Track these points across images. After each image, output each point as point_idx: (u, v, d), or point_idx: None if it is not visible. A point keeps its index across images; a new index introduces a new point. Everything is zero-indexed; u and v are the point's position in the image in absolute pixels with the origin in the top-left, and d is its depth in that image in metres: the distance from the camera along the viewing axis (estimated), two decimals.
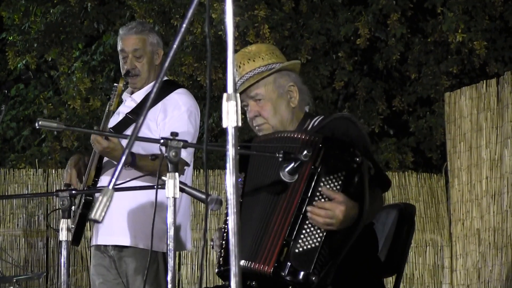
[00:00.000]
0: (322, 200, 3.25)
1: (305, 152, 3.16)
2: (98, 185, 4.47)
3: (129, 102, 4.64)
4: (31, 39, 9.93)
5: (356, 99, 9.98)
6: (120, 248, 4.52)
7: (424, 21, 9.70)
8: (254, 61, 3.57)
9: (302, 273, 3.19)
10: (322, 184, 3.27)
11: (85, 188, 4.42)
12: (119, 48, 4.64)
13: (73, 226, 4.54)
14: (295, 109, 3.61)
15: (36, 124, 3.55)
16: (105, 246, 4.58)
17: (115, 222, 4.41)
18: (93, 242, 4.65)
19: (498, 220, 7.05)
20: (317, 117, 3.62)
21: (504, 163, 7.02)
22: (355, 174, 3.27)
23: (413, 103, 9.93)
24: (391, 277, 3.75)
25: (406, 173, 8.53)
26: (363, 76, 9.98)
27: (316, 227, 3.23)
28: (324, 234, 3.23)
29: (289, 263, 3.21)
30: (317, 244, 3.22)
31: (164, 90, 4.51)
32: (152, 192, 4.39)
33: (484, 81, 7.44)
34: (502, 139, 7.09)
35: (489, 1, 9.19)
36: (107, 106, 4.43)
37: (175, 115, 4.48)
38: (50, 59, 10.19)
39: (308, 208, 3.24)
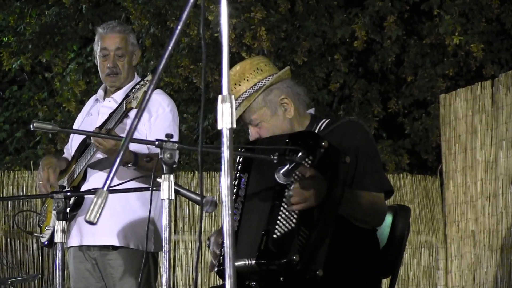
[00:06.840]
0: (296, 177, 3.28)
1: (300, 154, 3.17)
2: (84, 186, 4.44)
3: (108, 102, 4.60)
4: (26, 41, 9.92)
5: (351, 101, 9.99)
6: (105, 250, 4.46)
7: (420, 24, 9.70)
8: (240, 85, 3.58)
9: (283, 255, 3.19)
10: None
11: (71, 189, 4.39)
12: (99, 46, 4.59)
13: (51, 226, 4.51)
14: (293, 118, 3.62)
15: (31, 126, 3.55)
16: (88, 247, 4.50)
17: (102, 223, 4.29)
18: (73, 243, 4.53)
19: (493, 222, 7.06)
20: (323, 120, 3.64)
21: (499, 165, 7.02)
22: (323, 158, 3.30)
23: (409, 105, 9.93)
24: (385, 279, 3.76)
25: (401, 174, 8.53)
26: (359, 78, 9.99)
27: (290, 211, 3.25)
28: (299, 215, 3.24)
29: (269, 249, 3.22)
30: (293, 225, 3.23)
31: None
32: (141, 193, 4.42)
33: (479, 83, 7.44)
34: (497, 141, 7.09)
35: (485, 4, 9.20)
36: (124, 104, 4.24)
37: (160, 113, 4.49)
38: (44, 61, 10.18)
39: (284, 199, 3.27)
